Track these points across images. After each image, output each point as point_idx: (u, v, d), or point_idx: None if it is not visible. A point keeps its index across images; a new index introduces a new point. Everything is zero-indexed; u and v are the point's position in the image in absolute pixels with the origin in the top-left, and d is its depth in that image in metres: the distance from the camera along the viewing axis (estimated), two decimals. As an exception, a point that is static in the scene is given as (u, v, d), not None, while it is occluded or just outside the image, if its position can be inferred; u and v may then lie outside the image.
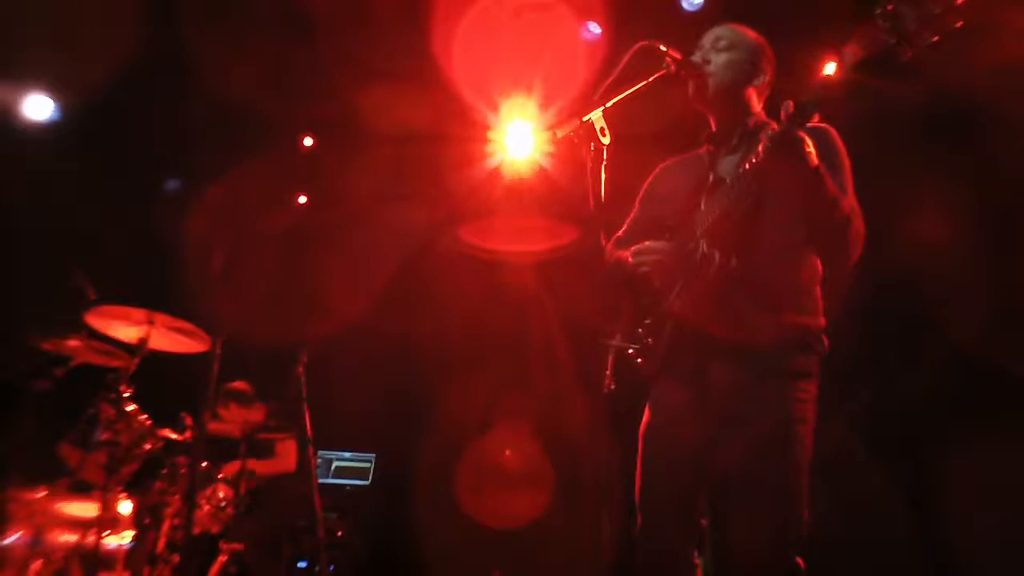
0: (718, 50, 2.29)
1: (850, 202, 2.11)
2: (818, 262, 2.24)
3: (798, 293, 2.18)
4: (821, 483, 2.12)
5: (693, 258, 2.14)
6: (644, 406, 2.32)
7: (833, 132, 2.24)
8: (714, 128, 2.36)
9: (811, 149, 1.93)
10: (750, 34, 2.37)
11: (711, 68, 2.26)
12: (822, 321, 2.20)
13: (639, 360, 2.19)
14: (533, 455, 5.56)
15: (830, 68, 4.11)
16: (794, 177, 1.97)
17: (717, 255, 2.10)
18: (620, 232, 2.54)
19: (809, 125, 2.19)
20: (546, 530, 5.28)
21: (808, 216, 2.07)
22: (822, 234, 2.11)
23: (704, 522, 2.22)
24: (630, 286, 2.27)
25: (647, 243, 2.25)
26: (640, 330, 2.21)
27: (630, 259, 2.25)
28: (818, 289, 2.23)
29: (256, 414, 4.62)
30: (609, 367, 2.20)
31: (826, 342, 2.18)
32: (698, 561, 2.19)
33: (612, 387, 2.19)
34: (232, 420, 4.58)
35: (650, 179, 2.59)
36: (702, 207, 2.20)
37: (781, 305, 2.14)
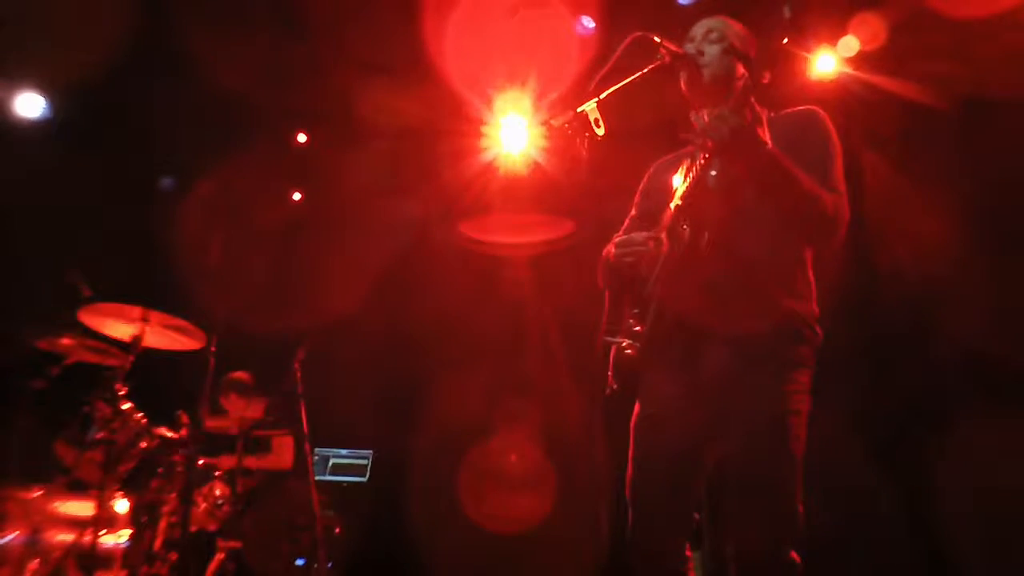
0: (710, 41, 2.28)
1: (835, 180, 2.09)
2: (806, 245, 2.20)
3: (787, 275, 2.14)
4: (817, 480, 2.10)
5: (672, 237, 2.10)
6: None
7: (820, 112, 2.23)
8: (707, 120, 2.35)
9: (761, 124, 1.91)
10: (740, 27, 2.36)
11: (705, 59, 2.24)
12: (815, 308, 2.16)
13: (628, 351, 2.13)
14: (537, 460, 5.54)
15: (826, 61, 4.11)
16: (743, 149, 1.94)
17: (688, 229, 2.07)
18: (620, 231, 2.50)
19: (797, 108, 2.18)
20: (545, 527, 5.27)
21: (760, 187, 2.04)
22: (784, 208, 2.06)
23: (697, 516, 2.20)
24: (621, 278, 2.24)
25: (630, 235, 2.23)
26: (630, 320, 2.18)
27: (614, 252, 2.23)
28: (810, 273, 2.19)
29: (256, 409, 4.61)
30: (611, 366, 2.14)
31: (819, 331, 2.14)
32: (689, 553, 2.17)
33: (614, 387, 2.12)
34: (233, 411, 4.58)
35: (646, 176, 2.57)
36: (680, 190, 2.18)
37: (768, 288, 2.10)
